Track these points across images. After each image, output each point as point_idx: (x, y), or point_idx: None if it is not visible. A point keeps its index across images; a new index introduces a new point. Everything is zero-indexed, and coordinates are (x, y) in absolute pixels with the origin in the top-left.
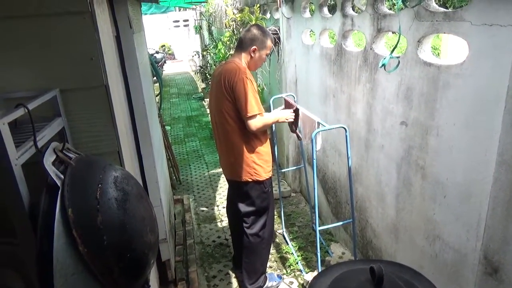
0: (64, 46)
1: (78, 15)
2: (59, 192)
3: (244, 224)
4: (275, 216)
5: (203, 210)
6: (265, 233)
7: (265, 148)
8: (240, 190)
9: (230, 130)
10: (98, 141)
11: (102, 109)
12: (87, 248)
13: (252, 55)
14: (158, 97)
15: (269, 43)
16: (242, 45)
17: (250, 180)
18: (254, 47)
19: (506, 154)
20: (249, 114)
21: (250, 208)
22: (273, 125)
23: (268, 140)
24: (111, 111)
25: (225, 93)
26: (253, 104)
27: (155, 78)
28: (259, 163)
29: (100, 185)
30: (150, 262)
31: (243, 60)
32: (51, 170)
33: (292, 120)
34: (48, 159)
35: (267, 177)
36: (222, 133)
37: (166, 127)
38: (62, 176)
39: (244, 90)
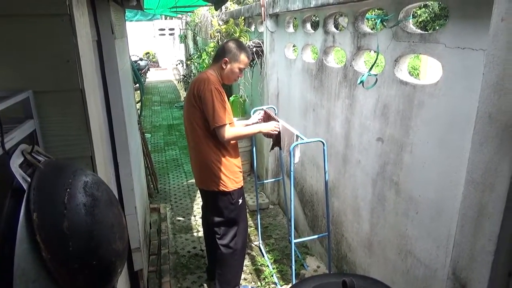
0: (39, 47)
1: (56, 17)
2: (25, 196)
3: (216, 235)
4: (251, 228)
5: (179, 220)
6: (237, 245)
7: (233, 159)
8: (208, 200)
9: (198, 139)
10: (71, 145)
11: (76, 113)
12: (50, 254)
13: (224, 66)
14: (138, 104)
15: (242, 57)
16: (216, 56)
17: (216, 190)
18: (225, 58)
19: (475, 173)
20: (216, 124)
21: (219, 219)
22: (253, 137)
23: (238, 151)
24: (85, 115)
25: (193, 102)
26: (221, 114)
27: (137, 85)
28: (226, 174)
29: (68, 190)
30: (117, 271)
31: (216, 71)
32: (18, 173)
33: (277, 132)
34: (16, 162)
35: (235, 188)
36: (192, 141)
37: (146, 134)
38: (29, 179)
39: (211, 100)
